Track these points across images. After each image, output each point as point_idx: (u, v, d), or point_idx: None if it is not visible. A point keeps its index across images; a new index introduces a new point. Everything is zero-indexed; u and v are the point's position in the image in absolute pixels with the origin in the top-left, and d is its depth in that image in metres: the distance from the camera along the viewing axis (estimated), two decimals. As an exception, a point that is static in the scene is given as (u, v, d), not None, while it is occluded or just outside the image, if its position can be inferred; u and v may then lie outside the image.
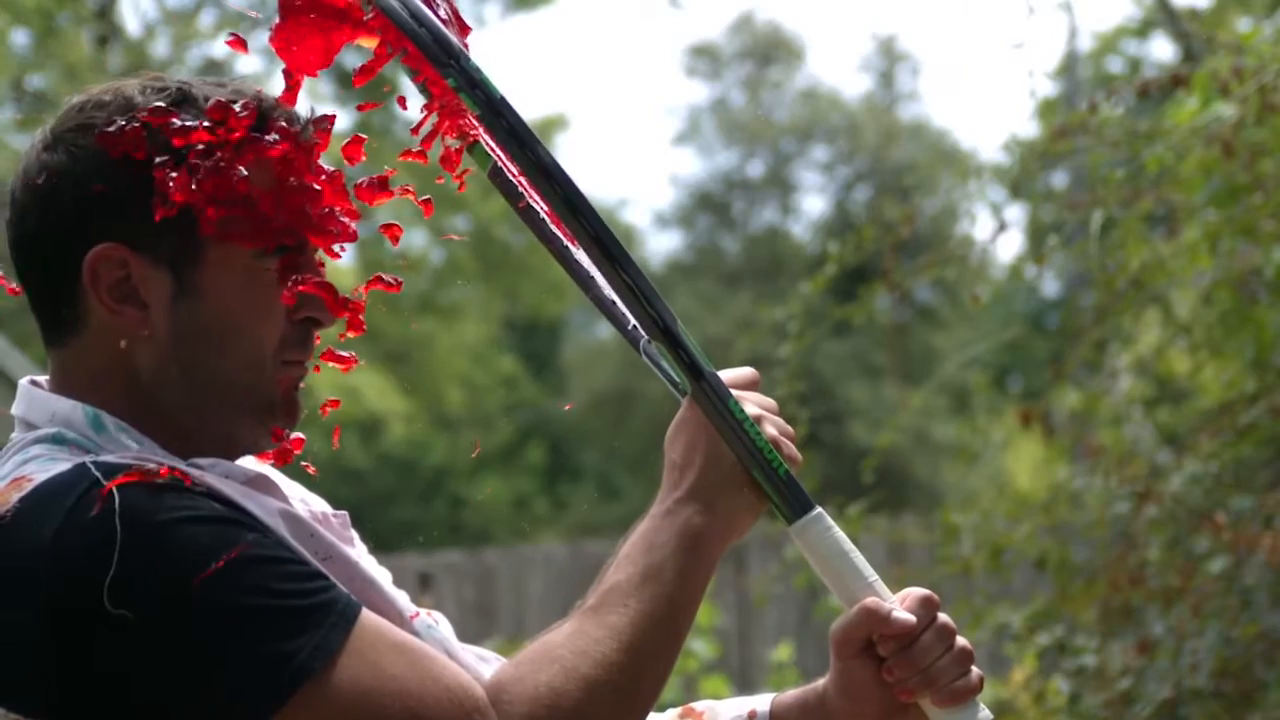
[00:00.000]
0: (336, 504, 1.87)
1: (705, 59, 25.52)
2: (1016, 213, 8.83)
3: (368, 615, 1.62)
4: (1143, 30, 16.89)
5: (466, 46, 1.69)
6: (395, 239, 1.78)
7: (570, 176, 1.66)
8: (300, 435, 1.80)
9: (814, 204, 29.24)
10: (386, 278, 1.79)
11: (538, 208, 1.87)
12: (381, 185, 1.75)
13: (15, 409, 1.76)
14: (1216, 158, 4.76)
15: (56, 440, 1.70)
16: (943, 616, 1.78)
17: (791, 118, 25.06)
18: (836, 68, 45.37)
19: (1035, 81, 7.16)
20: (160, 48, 20.11)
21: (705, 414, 1.74)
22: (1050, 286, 20.30)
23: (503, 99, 1.65)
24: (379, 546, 1.89)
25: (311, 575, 1.61)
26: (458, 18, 1.72)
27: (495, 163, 1.84)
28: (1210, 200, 4.86)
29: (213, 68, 18.72)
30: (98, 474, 1.60)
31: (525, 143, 1.65)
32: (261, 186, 1.71)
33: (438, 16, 1.68)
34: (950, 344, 19.88)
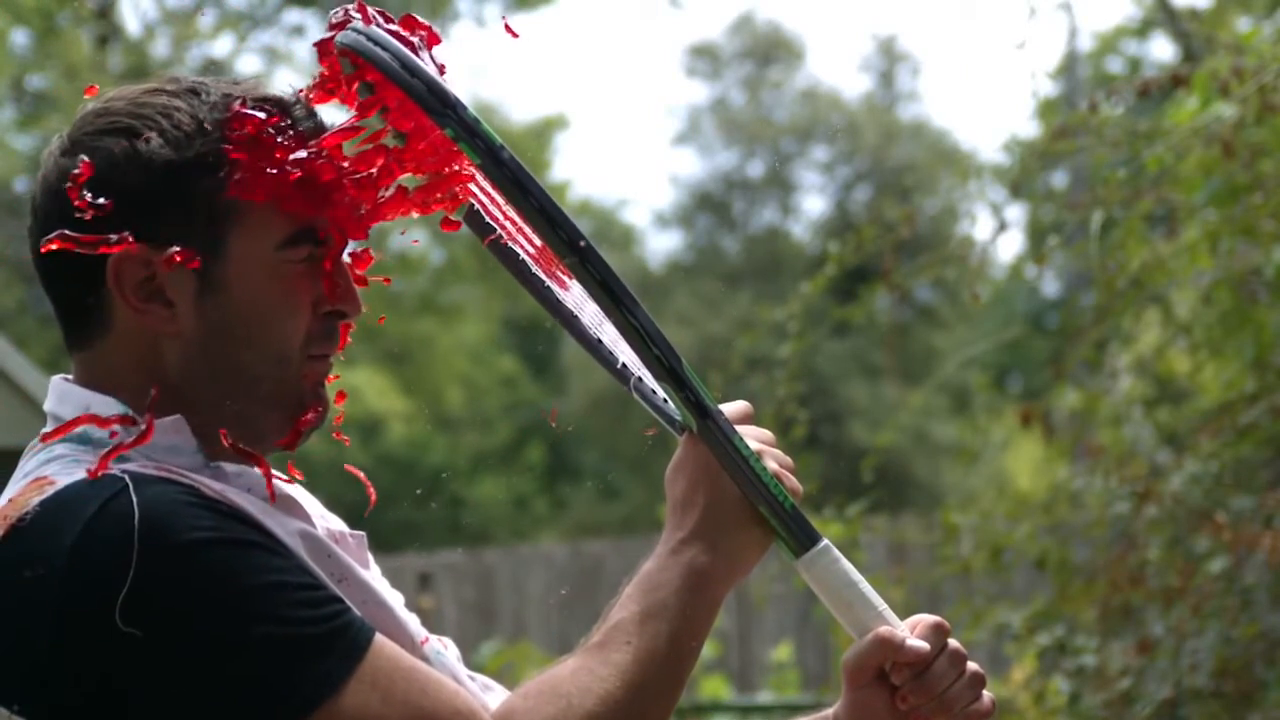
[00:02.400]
0: (335, 504, 1.87)
1: (705, 59, 25.53)
2: (1016, 213, 8.84)
3: (380, 641, 1.62)
4: (1143, 30, 16.90)
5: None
6: (453, 230, 1.81)
7: (573, 221, 1.66)
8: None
9: (814, 204, 29.25)
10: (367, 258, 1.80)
11: (519, 250, 1.88)
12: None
13: (47, 404, 1.75)
14: (1216, 158, 4.76)
15: (82, 440, 1.70)
16: (953, 643, 1.79)
17: (791, 118, 25.08)
18: (836, 68, 45.40)
19: (1036, 81, 7.17)
20: (160, 48, 20.11)
21: (712, 451, 1.73)
22: (1050, 286, 20.31)
23: (502, 146, 1.63)
24: (379, 544, 1.88)
25: (326, 600, 1.61)
26: (437, 65, 1.71)
27: (471, 205, 1.85)
28: (1210, 200, 4.86)
29: (213, 67, 18.73)
30: (120, 485, 1.59)
31: (527, 189, 1.64)
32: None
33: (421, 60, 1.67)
34: (950, 344, 19.89)
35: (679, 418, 1.77)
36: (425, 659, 1.72)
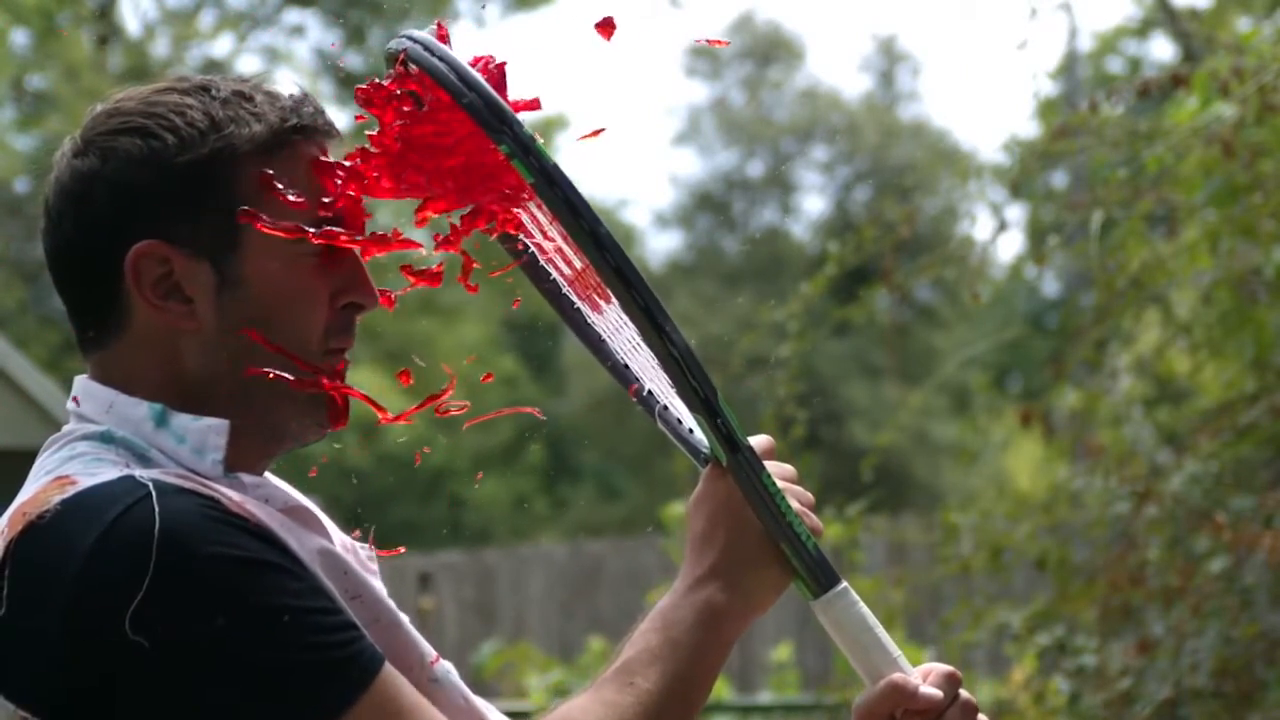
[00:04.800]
0: (334, 505, 1.86)
1: (705, 59, 25.55)
2: (1016, 213, 8.84)
3: (388, 671, 1.61)
4: (1143, 30, 16.90)
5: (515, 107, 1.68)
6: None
7: (621, 246, 1.65)
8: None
9: (814, 204, 29.26)
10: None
11: (553, 270, 1.87)
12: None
13: (70, 403, 1.75)
14: (1216, 158, 4.76)
15: (104, 439, 1.69)
16: (965, 693, 1.79)
17: (791, 118, 25.09)
18: (836, 68, 45.38)
19: (1036, 81, 7.18)
20: (160, 48, 20.13)
21: (739, 485, 1.73)
22: (1050, 286, 20.32)
23: (556, 166, 1.62)
24: (378, 544, 1.88)
25: (339, 627, 1.59)
26: (501, 84, 1.70)
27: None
28: (1210, 200, 4.87)
29: (213, 67, 18.75)
30: (143, 492, 1.58)
31: (579, 212, 1.63)
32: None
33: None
34: (950, 344, 19.90)
35: (704, 449, 1.77)
36: (435, 678, 1.72)
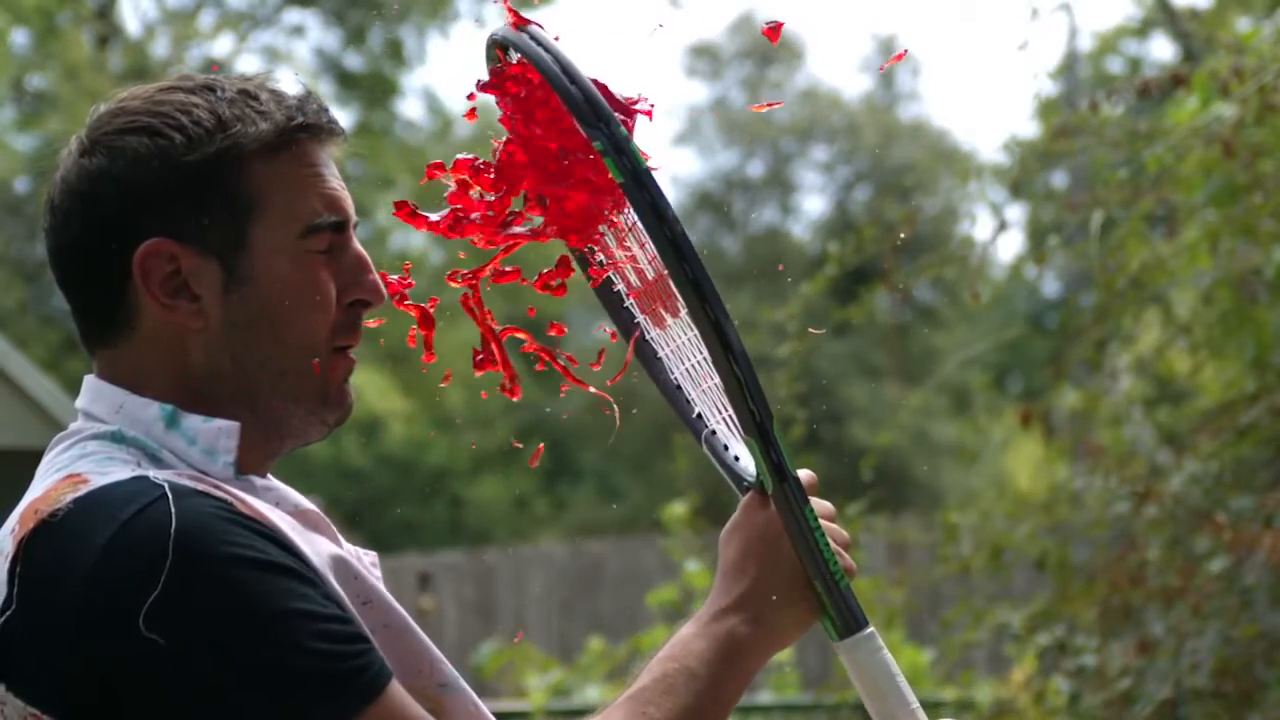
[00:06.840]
0: (334, 505, 1.87)
1: (705, 59, 25.55)
2: (1016, 213, 8.84)
3: (394, 688, 1.61)
4: (1143, 30, 16.92)
5: (629, 124, 1.69)
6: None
7: (701, 259, 1.64)
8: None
9: (814, 204, 29.26)
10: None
11: (619, 281, 1.86)
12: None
13: (79, 401, 1.75)
14: (1216, 158, 4.76)
15: (115, 439, 1.69)
16: None
17: (791, 118, 25.09)
18: (836, 68, 45.35)
19: (1037, 82, 7.19)
20: (160, 48, 20.12)
21: (781, 516, 1.73)
22: (1050, 286, 20.32)
23: (647, 170, 1.62)
24: (379, 544, 1.88)
25: (350, 637, 1.59)
26: (623, 102, 1.70)
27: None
28: (1210, 200, 4.87)
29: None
30: (158, 492, 1.59)
31: (665, 218, 1.63)
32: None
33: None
34: (950, 344, 19.89)
35: (748, 478, 1.77)
36: (444, 683, 1.71)
